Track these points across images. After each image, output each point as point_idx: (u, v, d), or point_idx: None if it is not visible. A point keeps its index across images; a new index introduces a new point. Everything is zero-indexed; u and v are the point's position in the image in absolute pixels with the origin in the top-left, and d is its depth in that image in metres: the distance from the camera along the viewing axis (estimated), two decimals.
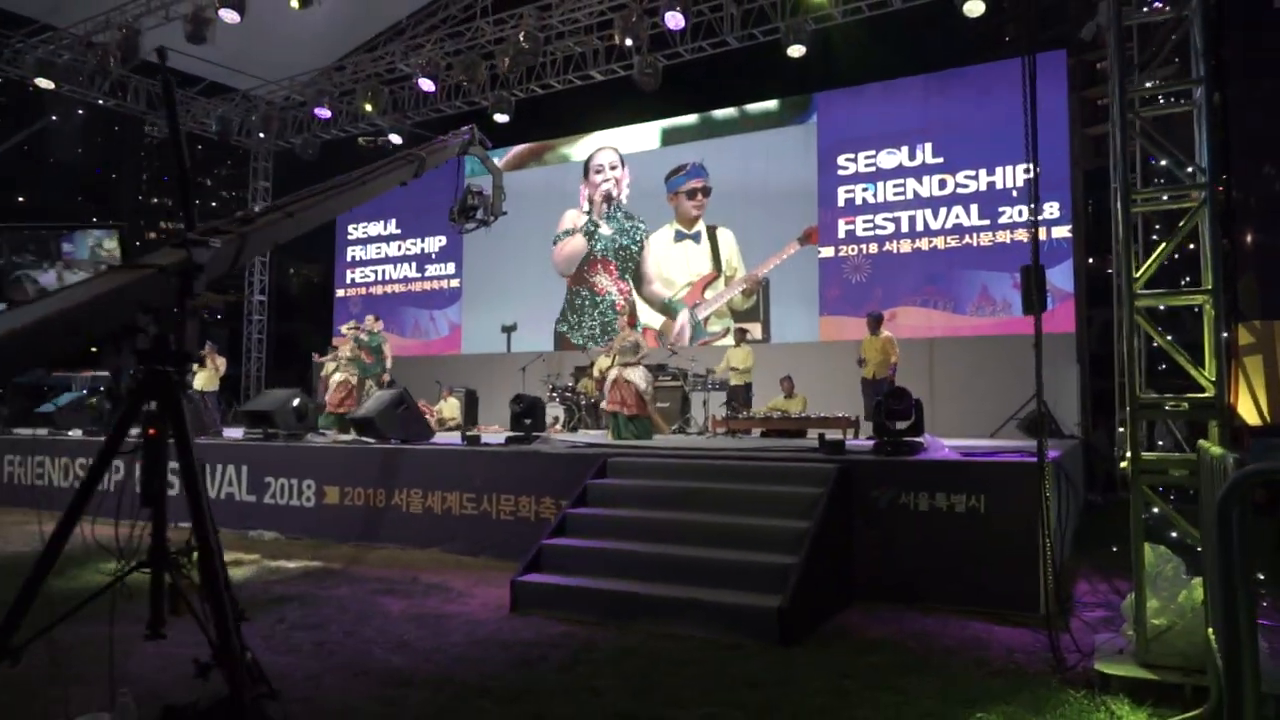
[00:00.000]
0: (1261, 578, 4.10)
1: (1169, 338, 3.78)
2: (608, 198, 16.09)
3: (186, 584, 2.83)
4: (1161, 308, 4.32)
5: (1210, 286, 3.73)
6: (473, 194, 5.13)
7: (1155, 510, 4.12)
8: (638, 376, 9.05)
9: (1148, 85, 4.02)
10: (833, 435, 7.96)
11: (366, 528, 7.72)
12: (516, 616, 5.18)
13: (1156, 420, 5.96)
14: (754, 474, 6.04)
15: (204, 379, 12.25)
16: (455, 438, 8.90)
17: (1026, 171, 12.86)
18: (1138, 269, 3.92)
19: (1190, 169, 4.05)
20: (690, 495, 5.93)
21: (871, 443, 6.44)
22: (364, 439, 8.06)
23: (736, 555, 5.21)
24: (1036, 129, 4.37)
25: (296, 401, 8.73)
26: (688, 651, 4.43)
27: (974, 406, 11.67)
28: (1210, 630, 3.32)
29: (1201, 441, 3.74)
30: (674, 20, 12.03)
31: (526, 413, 7.72)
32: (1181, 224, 3.87)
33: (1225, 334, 3.77)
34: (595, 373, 12.18)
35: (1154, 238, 7.84)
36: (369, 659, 4.31)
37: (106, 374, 16.27)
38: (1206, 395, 3.73)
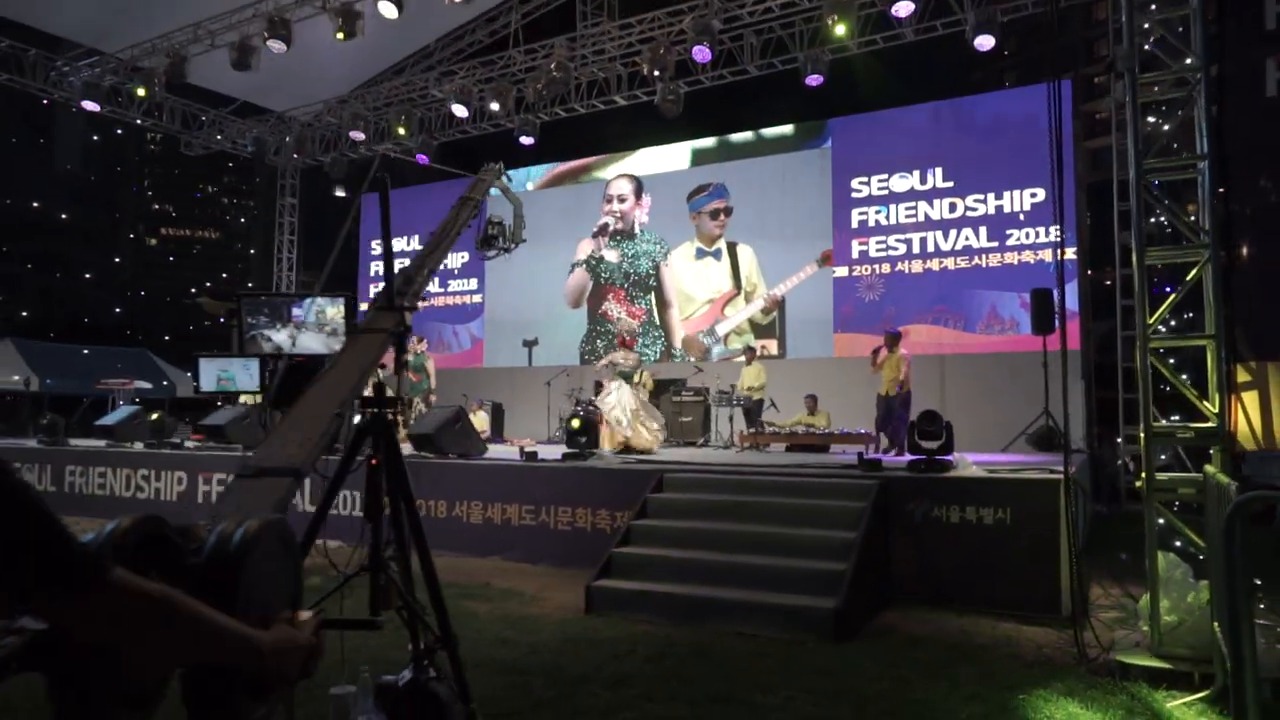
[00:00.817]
0: (1258, 582, 4.75)
1: (1183, 376, 4.44)
2: (618, 227, 16.73)
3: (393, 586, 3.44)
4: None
5: (1213, 332, 4.40)
6: (493, 224, 5.72)
7: (1161, 521, 4.78)
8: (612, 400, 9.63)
9: (1157, 161, 4.69)
10: (854, 449, 8.62)
11: (428, 537, 8.32)
12: (594, 617, 5.82)
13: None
14: (799, 489, 6.70)
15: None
16: (498, 451, 9.56)
17: (1034, 195, 13.68)
18: (1150, 315, 4.60)
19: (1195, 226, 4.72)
20: (742, 508, 6.59)
21: (905, 460, 7.11)
22: (422, 453, 8.69)
23: (790, 562, 5.86)
24: (1062, 162, 5.07)
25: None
26: (757, 646, 5.08)
27: (984, 421, 12.29)
28: (1215, 625, 3.97)
29: (1207, 467, 4.41)
30: (701, 54, 12.69)
31: (582, 430, 8.38)
32: (1189, 277, 4.55)
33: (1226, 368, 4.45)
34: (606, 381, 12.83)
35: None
36: (479, 654, 4.92)
37: (146, 385, 16.87)
38: (1210, 425, 4.40)
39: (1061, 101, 5.49)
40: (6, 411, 18.37)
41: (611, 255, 16.71)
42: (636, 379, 10.17)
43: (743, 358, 13.00)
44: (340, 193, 19.60)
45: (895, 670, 4.64)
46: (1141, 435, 4.65)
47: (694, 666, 4.69)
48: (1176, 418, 5.39)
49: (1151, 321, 4.58)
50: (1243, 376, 4.38)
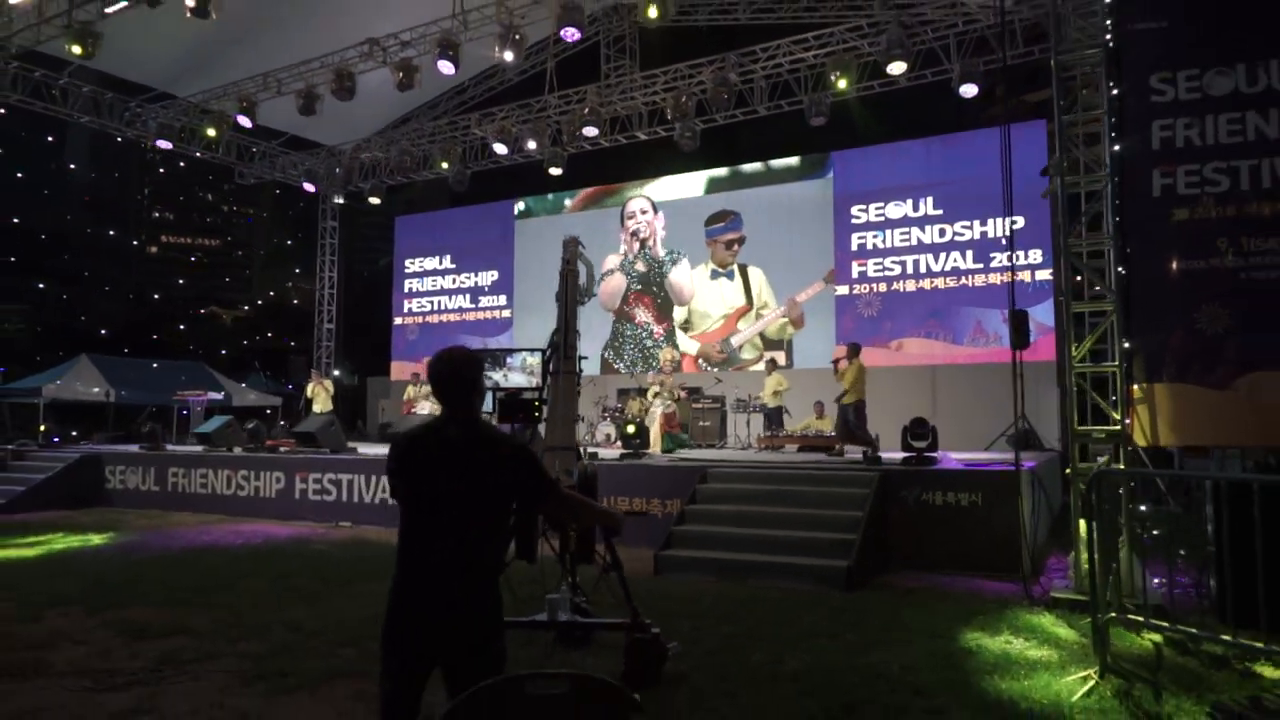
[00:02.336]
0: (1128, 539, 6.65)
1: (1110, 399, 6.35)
2: (640, 240, 18.67)
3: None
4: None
5: (1117, 362, 6.30)
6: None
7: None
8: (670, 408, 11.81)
9: (1080, 239, 6.60)
10: (856, 450, 10.50)
11: None
12: (662, 579, 7.68)
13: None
14: (817, 479, 8.60)
15: (321, 402, 14.70)
16: None
17: (1014, 223, 15.59)
18: (1076, 350, 6.50)
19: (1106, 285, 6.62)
20: (772, 494, 8.48)
21: (900, 456, 9.01)
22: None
23: (812, 534, 7.75)
24: (1011, 192, 6.95)
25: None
26: (789, 594, 6.95)
27: (971, 424, 14.21)
28: (1084, 561, 5.85)
29: (1100, 458, 6.31)
30: (719, 103, 14.57)
31: (637, 434, 10.25)
32: (1100, 324, 6.45)
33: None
34: (649, 396, 14.75)
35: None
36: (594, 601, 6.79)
37: (218, 396, 18.67)
38: (1115, 428, 6.30)
39: (1011, 147, 7.26)
40: (93, 420, 20.20)
41: (640, 266, 18.61)
42: (673, 396, 12.17)
43: (758, 366, 14.90)
44: (375, 200, 21.16)
45: (891, 607, 6.53)
46: (1068, 434, 6.55)
47: (748, 607, 6.56)
48: (1096, 428, 7.27)
49: (1076, 355, 6.49)
50: (1137, 394, 6.27)
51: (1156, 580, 6.25)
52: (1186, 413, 6.22)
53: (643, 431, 10.52)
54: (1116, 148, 6.44)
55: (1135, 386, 6.34)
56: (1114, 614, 4.87)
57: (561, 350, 5.46)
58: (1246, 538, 4.75)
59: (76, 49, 12.89)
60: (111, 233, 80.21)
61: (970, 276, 15.69)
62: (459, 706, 2.29)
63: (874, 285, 16.42)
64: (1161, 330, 6.30)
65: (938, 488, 8.10)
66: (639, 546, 8.90)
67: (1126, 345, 6.37)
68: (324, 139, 19.46)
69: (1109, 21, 6.67)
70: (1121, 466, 6.13)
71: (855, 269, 16.63)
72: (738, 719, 4.21)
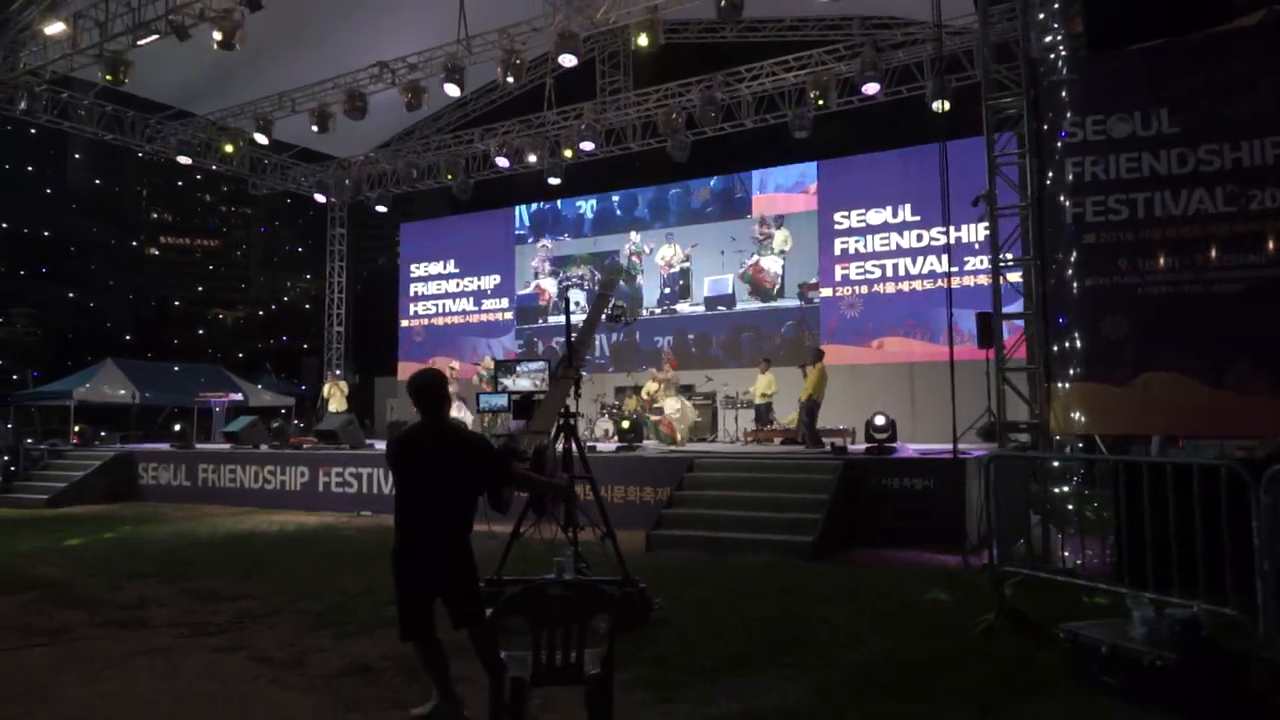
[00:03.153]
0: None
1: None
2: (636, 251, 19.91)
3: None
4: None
5: (1037, 365, 7.52)
6: (619, 307, 8.67)
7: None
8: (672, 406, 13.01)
9: (1010, 257, 7.83)
10: (834, 441, 11.72)
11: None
12: (653, 554, 8.89)
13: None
14: (790, 467, 9.82)
15: (336, 402, 15.91)
16: None
17: (986, 228, 16.76)
18: (1003, 354, 7.71)
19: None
20: (750, 481, 9.70)
21: (864, 447, 10.23)
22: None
23: (784, 515, 8.97)
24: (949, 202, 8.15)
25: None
26: (764, 565, 8.16)
27: (947, 417, 15.40)
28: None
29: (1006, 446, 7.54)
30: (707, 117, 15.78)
31: (632, 429, 11.48)
32: (1024, 331, 7.67)
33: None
34: (644, 394, 15.95)
35: None
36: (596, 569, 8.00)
37: (239, 398, 19.90)
38: (1035, 420, 7.52)
39: (949, 162, 8.50)
40: (116, 421, 21.48)
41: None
42: (667, 390, 13.40)
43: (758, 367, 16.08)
44: (381, 208, 22.39)
45: (849, 574, 7.75)
46: (1000, 425, 7.78)
47: (730, 574, 7.77)
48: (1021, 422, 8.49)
49: (1006, 358, 7.71)
50: (1053, 391, 7.49)
51: (1069, 551, 7.47)
52: (1093, 406, 7.45)
53: (638, 428, 11.74)
54: (1036, 181, 7.65)
55: (1051, 384, 7.56)
56: (1010, 568, 6.08)
57: (567, 358, 6.66)
58: (1139, 513, 5.91)
59: (109, 76, 14.06)
60: (127, 241, 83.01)
61: (945, 279, 16.87)
62: (510, 599, 3.57)
63: (856, 288, 17.62)
64: (1073, 337, 7.52)
65: (895, 473, 9.32)
66: (633, 528, 10.09)
67: (1044, 350, 7.59)
68: (333, 150, 20.65)
69: (1031, 75, 7.88)
70: (1040, 452, 7.35)
71: (839, 272, 17.83)
72: (705, 645, 5.43)
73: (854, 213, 17.79)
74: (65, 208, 79.62)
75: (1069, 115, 7.51)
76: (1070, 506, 7.76)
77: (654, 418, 13.95)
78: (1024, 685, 4.59)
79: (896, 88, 16.02)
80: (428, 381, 4.22)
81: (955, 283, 16.99)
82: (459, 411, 16.58)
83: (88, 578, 7.92)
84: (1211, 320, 7.02)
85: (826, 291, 17.87)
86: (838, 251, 17.85)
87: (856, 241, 17.73)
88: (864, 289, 17.56)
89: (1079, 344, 7.48)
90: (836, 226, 17.90)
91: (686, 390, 16.56)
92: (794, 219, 18.36)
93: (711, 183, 19.48)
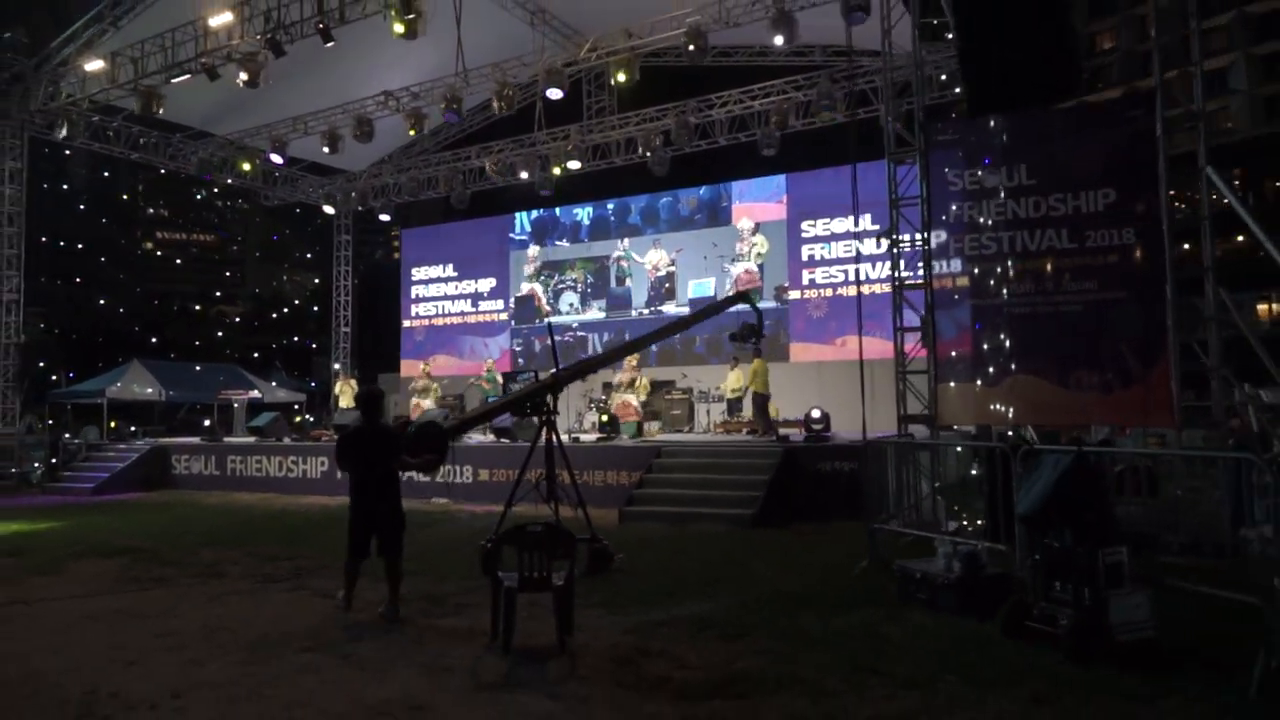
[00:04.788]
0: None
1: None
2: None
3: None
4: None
5: (929, 368, 9.54)
6: (749, 327, 10.53)
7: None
8: (630, 397, 14.94)
9: (908, 278, 9.84)
10: (789, 431, 13.75)
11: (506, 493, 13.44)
12: (625, 525, 10.89)
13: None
14: (740, 453, 11.85)
15: (346, 399, 17.88)
16: None
17: (939, 236, 18.80)
18: (904, 359, 9.72)
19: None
20: (708, 465, 11.73)
21: (801, 435, 12.25)
22: (502, 439, 13.77)
23: (733, 493, 11.00)
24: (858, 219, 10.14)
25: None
26: (715, 532, 10.16)
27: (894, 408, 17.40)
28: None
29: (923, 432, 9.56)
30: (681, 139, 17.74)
31: (610, 422, 13.49)
32: (923, 334, 9.69)
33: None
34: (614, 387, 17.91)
35: None
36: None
37: (258, 395, 21.91)
38: (926, 413, 9.54)
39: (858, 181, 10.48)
40: (140, 418, 23.54)
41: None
42: (639, 383, 15.32)
43: (729, 365, 18.05)
44: (385, 217, 24.33)
45: (781, 537, 9.77)
46: (901, 418, 9.80)
47: (686, 541, 9.77)
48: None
49: (909, 364, 9.72)
50: (941, 390, 9.49)
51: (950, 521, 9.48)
52: (973, 402, 9.46)
53: (614, 421, 13.76)
54: (928, 218, 9.65)
55: (941, 384, 9.57)
56: (878, 525, 8.12)
57: (556, 364, 8.68)
58: (1000, 486, 7.86)
59: (143, 109, 16.00)
60: (141, 244, 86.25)
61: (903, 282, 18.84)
62: (504, 533, 5.63)
63: (821, 291, 19.62)
64: (957, 346, 9.53)
65: (828, 458, 11.35)
66: (609, 506, 12.14)
67: (933, 356, 9.60)
68: (340, 164, 22.59)
69: (925, 138, 9.87)
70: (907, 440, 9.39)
71: (805, 276, 19.83)
72: (651, 582, 7.46)
73: (820, 221, 19.78)
74: (93, 218, 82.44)
75: (947, 170, 9.51)
76: (951, 481, 9.80)
77: (617, 411, 15.79)
78: (867, 601, 6.61)
79: (854, 111, 17.97)
80: (370, 396, 7.03)
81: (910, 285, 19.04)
82: (426, 402, 18.49)
83: (165, 546, 9.92)
84: (1059, 334, 9.02)
85: (795, 294, 19.86)
86: (805, 258, 19.84)
87: (821, 248, 19.72)
88: (828, 292, 19.55)
89: (962, 352, 9.49)
90: (804, 234, 19.88)
91: (665, 385, 18.55)
92: (769, 226, 20.33)
93: (700, 191, 21.46)
